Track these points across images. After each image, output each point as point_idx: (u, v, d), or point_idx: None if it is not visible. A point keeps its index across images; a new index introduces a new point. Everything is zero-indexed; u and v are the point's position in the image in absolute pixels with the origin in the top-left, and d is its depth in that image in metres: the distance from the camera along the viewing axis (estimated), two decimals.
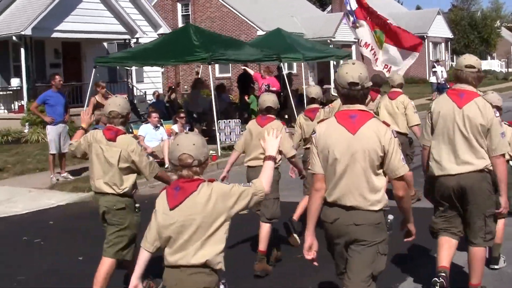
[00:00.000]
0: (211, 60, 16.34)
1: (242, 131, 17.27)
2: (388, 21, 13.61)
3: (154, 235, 4.13)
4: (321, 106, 8.67)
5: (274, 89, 20.85)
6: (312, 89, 8.71)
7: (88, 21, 23.45)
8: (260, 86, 20.80)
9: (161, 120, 16.25)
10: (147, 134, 14.87)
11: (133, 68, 27.47)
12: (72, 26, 22.98)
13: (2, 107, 22.68)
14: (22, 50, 21.60)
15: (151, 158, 6.24)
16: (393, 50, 13.11)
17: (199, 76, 37.07)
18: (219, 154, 16.16)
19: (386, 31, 13.30)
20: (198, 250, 3.94)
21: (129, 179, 6.16)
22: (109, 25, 24.49)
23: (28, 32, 21.05)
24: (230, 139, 17.21)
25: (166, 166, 14.26)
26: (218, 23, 36.85)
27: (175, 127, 15.77)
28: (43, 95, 13.98)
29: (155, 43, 18.47)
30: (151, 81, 28.56)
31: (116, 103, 6.16)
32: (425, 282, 6.61)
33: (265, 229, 7.32)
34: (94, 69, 18.16)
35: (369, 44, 13.44)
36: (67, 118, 13.98)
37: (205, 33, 18.56)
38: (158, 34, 28.77)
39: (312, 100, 8.57)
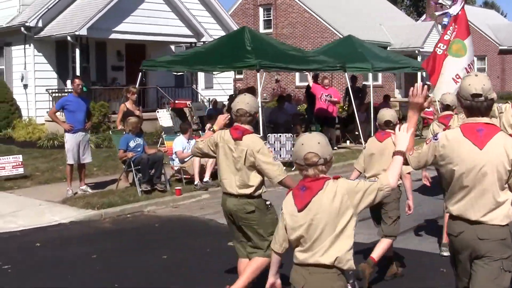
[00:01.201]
0: (259, 67, 14.83)
1: (294, 145, 15.62)
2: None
3: (282, 236, 4.17)
4: (454, 113, 8.54)
5: (335, 100, 19.17)
6: (447, 97, 8.76)
7: (151, 23, 22.55)
8: (319, 97, 19.11)
9: (200, 132, 14.88)
10: (184, 147, 13.49)
11: (202, 73, 26.46)
12: (134, 27, 22.12)
13: None
14: (77, 51, 20.77)
15: (278, 161, 5.99)
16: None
17: (278, 83, 35.86)
18: None
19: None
20: (327, 248, 3.94)
21: (257, 179, 5.97)
22: (174, 27, 23.50)
23: (83, 32, 20.21)
24: (280, 155, 15.61)
25: (195, 183, 12.89)
26: (300, 29, 35.38)
27: None
28: (62, 99, 12.83)
29: (207, 46, 17.22)
30: (221, 87, 27.36)
31: (245, 101, 6.02)
32: None
33: (383, 242, 7.16)
34: (140, 73, 16.99)
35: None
36: (88, 126, 12.80)
37: (261, 38, 17.12)
38: None
39: (447, 107, 8.64)
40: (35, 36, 21.28)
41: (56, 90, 22.05)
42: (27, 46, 21.64)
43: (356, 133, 20.30)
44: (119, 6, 21.44)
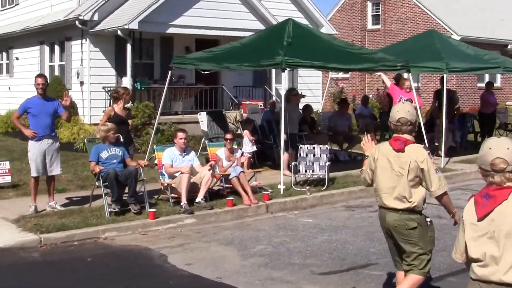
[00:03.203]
0: (286, 65, 12.25)
1: (331, 160, 12.83)
2: None
3: (463, 246, 3.94)
4: None
5: (414, 105, 16.03)
6: None
7: (222, 16, 20.56)
8: (397, 101, 16.05)
9: (206, 142, 12.52)
10: (174, 161, 11.21)
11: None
12: (199, 21, 20.33)
13: None
14: (128, 46, 19.04)
15: (440, 173, 5.67)
16: None
17: (384, 83, 32.49)
18: (281, 192, 12.00)
19: None
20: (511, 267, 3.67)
21: (419, 193, 5.68)
22: (246, 21, 21.35)
23: (134, 26, 18.46)
24: (312, 171, 12.92)
25: (181, 204, 10.58)
26: (410, 25, 32.03)
27: (221, 152, 11.91)
28: (25, 102, 10.82)
29: (245, 41, 14.78)
30: (307, 87, 24.80)
31: (405, 109, 5.75)
32: None
33: None
34: (170, 71, 14.89)
35: None
36: (65, 114, 10.75)
37: (306, 32, 14.50)
38: None
39: None
40: (90, 31, 19.82)
41: (114, 88, 20.44)
42: (83, 41, 20.23)
43: (436, 144, 17.11)
44: None
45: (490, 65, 16.73)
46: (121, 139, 11.09)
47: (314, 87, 25.34)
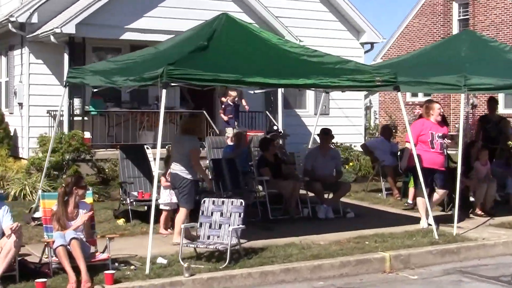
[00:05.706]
0: (168, 78, 9.54)
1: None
2: None
3: None
4: None
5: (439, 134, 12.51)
6: None
7: (204, 18, 17.95)
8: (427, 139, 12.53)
9: (40, 193, 10.07)
10: None
11: (311, 92, 21.31)
12: (170, 24, 18.02)
13: None
14: (65, 56, 16.91)
15: None
16: None
17: (474, 108, 28.87)
18: (147, 270, 9.22)
19: None
20: None
21: None
22: None
23: (70, 29, 16.38)
24: (218, 237, 10.06)
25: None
26: (506, 31, 28.46)
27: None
28: None
29: (163, 45, 12.35)
30: (343, 114, 21.85)
31: None
32: None
33: None
34: (65, 89, 12.61)
35: None
36: None
37: (246, 31, 11.79)
38: (361, 44, 22.27)
39: None
40: (27, 36, 17.84)
41: (62, 112, 18.26)
42: (23, 50, 18.29)
43: (471, 198, 13.85)
44: None
45: None
46: None
47: (352, 114, 22.22)
